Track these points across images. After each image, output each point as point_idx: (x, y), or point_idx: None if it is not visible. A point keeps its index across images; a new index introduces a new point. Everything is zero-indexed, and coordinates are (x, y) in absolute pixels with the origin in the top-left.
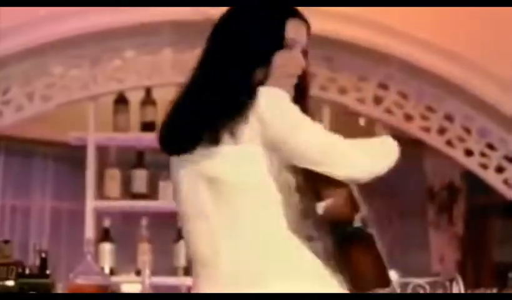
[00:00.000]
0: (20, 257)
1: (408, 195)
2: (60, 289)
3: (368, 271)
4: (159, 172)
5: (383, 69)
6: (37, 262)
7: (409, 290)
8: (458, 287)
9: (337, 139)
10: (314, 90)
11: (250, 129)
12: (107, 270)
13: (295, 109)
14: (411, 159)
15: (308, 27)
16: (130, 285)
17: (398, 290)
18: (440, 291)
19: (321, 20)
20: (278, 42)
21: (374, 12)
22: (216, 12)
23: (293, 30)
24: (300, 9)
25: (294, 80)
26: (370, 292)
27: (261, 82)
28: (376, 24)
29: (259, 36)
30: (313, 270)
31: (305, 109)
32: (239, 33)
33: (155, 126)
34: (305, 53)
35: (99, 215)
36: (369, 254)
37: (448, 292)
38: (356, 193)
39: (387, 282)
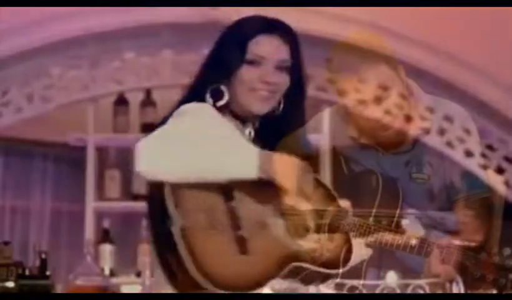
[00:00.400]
0: (20, 258)
1: (407, 196)
2: (60, 290)
3: (177, 273)
4: None
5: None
6: (37, 263)
7: (409, 291)
8: (458, 288)
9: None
10: (313, 91)
11: None
12: (107, 272)
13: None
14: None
15: (291, 41)
16: (130, 286)
17: (398, 291)
18: (440, 292)
19: (320, 20)
20: (238, 60)
21: (374, 13)
22: (216, 13)
23: (260, 47)
24: (297, 11)
25: (261, 93)
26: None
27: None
28: (375, 25)
29: (219, 55)
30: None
31: (302, 111)
32: (209, 53)
33: (155, 127)
34: (290, 67)
35: (99, 216)
36: (171, 257)
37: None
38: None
39: (197, 285)
